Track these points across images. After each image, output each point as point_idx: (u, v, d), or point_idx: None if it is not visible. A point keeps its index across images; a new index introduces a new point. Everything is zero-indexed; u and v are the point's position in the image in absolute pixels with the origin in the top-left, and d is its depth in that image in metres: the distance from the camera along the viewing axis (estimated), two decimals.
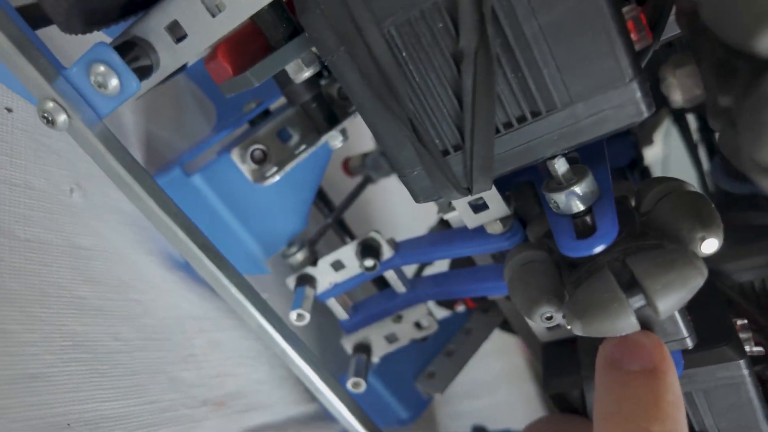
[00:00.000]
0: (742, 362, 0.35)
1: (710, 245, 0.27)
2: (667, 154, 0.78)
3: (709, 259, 0.28)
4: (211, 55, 0.35)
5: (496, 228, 0.38)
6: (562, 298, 0.30)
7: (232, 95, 0.35)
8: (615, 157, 0.50)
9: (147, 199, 0.33)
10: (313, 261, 0.46)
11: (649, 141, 0.64)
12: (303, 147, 0.44)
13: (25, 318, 0.35)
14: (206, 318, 0.48)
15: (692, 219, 0.27)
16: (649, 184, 0.31)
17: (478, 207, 0.37)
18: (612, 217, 0.28)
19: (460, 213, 0.38)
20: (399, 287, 0.47)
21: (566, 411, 0.41)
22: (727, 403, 0.37)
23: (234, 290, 0.36)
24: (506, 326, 0.54)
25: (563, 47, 0.25)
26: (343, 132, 0.45)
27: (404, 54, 0.27)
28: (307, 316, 0.43)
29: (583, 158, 0.32)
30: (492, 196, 0.36)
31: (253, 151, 0.43)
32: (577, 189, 0.28)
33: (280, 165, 0.43)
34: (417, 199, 0.33)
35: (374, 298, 0.50)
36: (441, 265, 0.57)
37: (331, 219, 0.53)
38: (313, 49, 0.35)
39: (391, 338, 0.49)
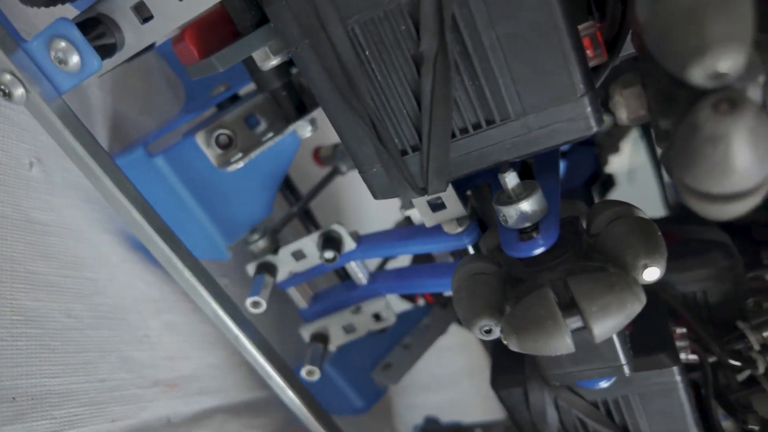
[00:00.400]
0: (675, 369, 0.36)
1: (652, 273, 0.27)
2: (633, 167, 0.80)
3: None
4: (179, 36, 0.35)
5: (453, 227, 0.39)
6: (503, 313, 0.30)
7: (200, 77, 0.35)
8: (577, 167, 0.51)
9: (104, 178, 0.33)
10: (274, 249, 0.46)
11: (615, 149, 0.65)
12: (270, 135, 0.44)
13: None
14: (163, 300, 0.48)
15: (637, 246, 0.27)
16: (601, 207, 0.31)
17: (437, 206, 0.38)
18: (555, 227, 0.28)
19: (419, 211, 0.38)
20: (360, 279, 0.48)
21: (510, 409, 0.42)
22: (661, 407, 0.39)
23: (188, 274, 0.36)
24: None
25: (519, 59, 0.25)
26: (313, 122, 0.45)
27: (367, 52, 0.28)
28: (264, 304, 0.43)
29: (538, 167, 0.32)
30: (449, 197, 0.36)
31: (218, 136, 0.43)
32: (526, 205, 0.29)
33: (246, 151, 0.43)
34: (375, 196, 0.34)
35: (335, 288, 0.51)
36: (404, 260, 0.58)
37: (297, 208, 0.53)
38: None
39: (349, 329, 0.50)
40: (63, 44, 0.29)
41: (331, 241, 0.44)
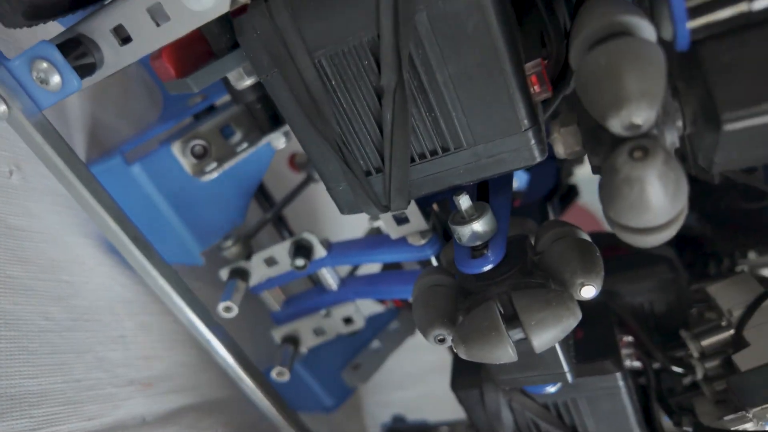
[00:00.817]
0: (618, 374, 0.39)
1: (588, 291, 0.29)
2: (596, 178, 0.82)
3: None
4: (157, 53, 0.36)
5: (417, 240, 0.41)
6: (455, 323, 0.32)
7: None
8: (539, 181, 0.54)
9: (81, 189, 0.35)
10: (247, 255, 0.48)
11: (579, 161, 0.68)
12: (245, 145, 0.46)
13: None
14: (138, 301, 0.49)
15: (576, 265, 0.29)
16: (547, 226, 0.33)
17: (401, 220, 0.40)
18: (502, 246, 0.31)
19: (385, 224, 0.41)
20: (330, 285, 0.50)
21: (468, 409, 0.45)
22: (606, 409, 0.42)
23: (162, 282, 0.38)
24: None
25: (469, 95, 0.28)
26: (287, 134, 0.47)
27: (333, 82, 0.30)
28: (235, 309, 0.45)
29: (493, 187, 0.35)
30: (412, 212, 0.39)
31: (194, 146, 0.44)
32: (477, 225, 0.31)
33: (221, 161, 0.44)
34: (342, 211, 0.36)
35: (306, 293, 0.53)
36: (375, 265, 0.60)
37: (270, 214, 0.55)
38: None
39: (319, 332, 0.52)
40: (44, 65, 0.31)
41: (302, 249, 0.47)
